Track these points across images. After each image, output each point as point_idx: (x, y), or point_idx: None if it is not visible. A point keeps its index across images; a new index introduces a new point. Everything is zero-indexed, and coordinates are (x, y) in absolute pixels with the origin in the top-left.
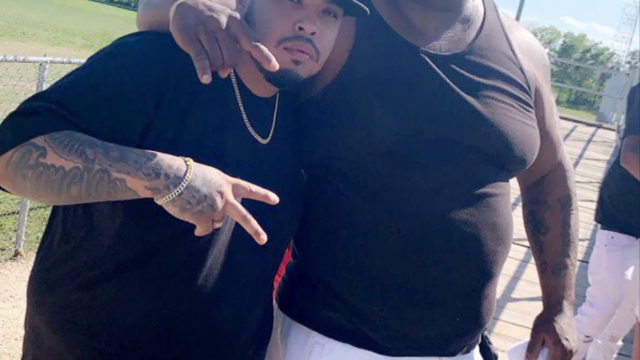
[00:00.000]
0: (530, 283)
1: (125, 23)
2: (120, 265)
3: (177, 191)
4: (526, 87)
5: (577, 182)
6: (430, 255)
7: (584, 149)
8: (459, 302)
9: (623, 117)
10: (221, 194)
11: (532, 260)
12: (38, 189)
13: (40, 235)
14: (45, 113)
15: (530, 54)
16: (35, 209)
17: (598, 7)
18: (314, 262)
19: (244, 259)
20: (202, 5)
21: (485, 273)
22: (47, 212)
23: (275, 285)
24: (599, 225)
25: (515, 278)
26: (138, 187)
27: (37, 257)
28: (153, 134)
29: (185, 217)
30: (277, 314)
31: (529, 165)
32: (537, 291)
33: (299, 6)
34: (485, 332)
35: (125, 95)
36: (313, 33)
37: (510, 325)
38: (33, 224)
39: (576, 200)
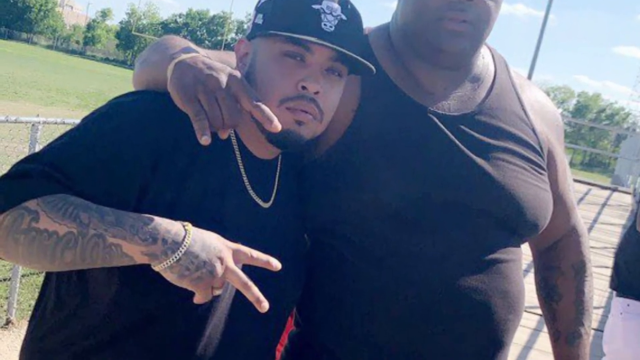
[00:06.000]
0: (543, 353)
1: (121, 82)
2: (117, 334)
3: (175, 257)
4: (538, 149)
5: (592, 247)
6: (439, 324)
7: (599, 213)
8: None
9: (639, 179)
10: (221, 260)
11: (545, 328)
12: (30, 254)
13: (33, 302)
14: (38, 176)
15: (543, 114)
16: (28, 276)
17: (613, 66)
18: (318, 331)
19: (244, 328)
20: (201, 64)
21: (495, 342)
22: (40, 279)
23: (278, 355)
24: (615, 292)
25: (527, 347)
26: (134, 253)
27: (29, 326)
28: (150, 197)
29: (184, 284)
30: None
31: (542, 230)
32: None
33: (302, 64)
34: None
35: (121, 157)
36: (317, 92)
37: None
38: (25, 291)
39: (590, 266)
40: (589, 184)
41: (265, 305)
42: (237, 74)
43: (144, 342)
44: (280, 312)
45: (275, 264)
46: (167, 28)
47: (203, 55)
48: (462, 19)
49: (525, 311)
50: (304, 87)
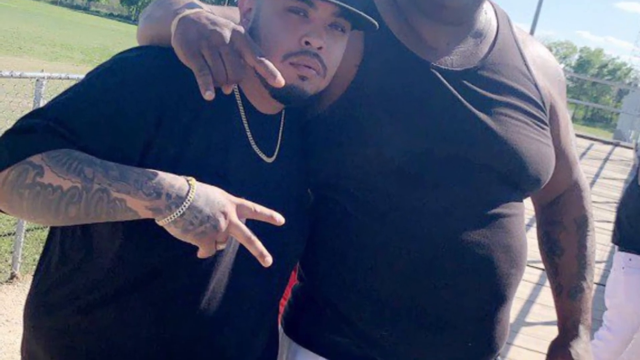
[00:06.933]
0: (545, 307)
1: (125, 37)
2: (120, 288)
3: (179, 212)
4: (541, 104)
5: (594, 202)
6: (442, 278)
7: (601, 168)
8: (471, 327)
9: None
10: (225, 214)
11: (547, 283)
12: (35, 209)
13: (38, 257)
14: (42, 131)
15: (545, 70)
16: (32, 230)
17: (615, 21)
18: (321, 285)
19: (248, 282)
20: (205, 19)
21: (498, 296)
22: (45, 234)
23: (281, 308)
24: (617, 246)
25: (530, 301)
26: (138, 208)
27: (34, 280)
28: (154, 153)
29: (188, 239)
30: (283, 338)
31: (544, 184)
32: (552, 315)
33: (305, 20)
34: (499, 358)
35: (126, 112)
36: (320, 48)
37: (524, 351)
38: (30, 246)
39: (592, 221)
40: (591, 139)
41: (268, 260)
42: (241, 29)
43: (148, 297)
44: (283, 266)
45: (279, 219)
46: None
47: (207, 11)
48: None
49: (528, 265)
50: (307, 43)
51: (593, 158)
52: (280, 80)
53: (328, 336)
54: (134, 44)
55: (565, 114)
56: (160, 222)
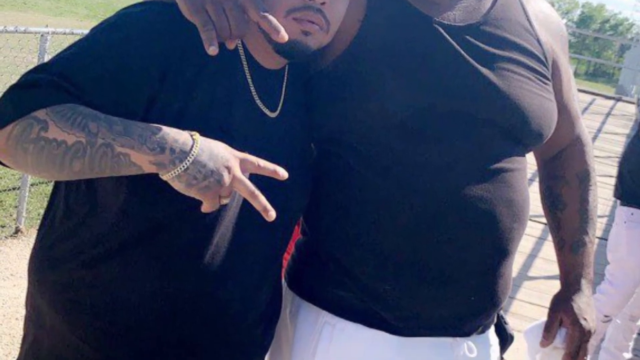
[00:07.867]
0: (548, 261)
1: None
2: (125, 242)
3: (183, 166)
4: (543, 59)
5: (596, 156)
6: (444, 232)
7: (603, 123)
8: (474, 281)
9: None
10: (228, 169)
11: (550, 237)
12: (39, 164)
13: (42, 211)
14: (46, 85)
15: (548, 25)
16: (37, 185)
17: None
18: (324, 239)
19: (252, 236)
20: None
21: (501, 250)
22: (49, 188)
23: (284, 263)
24: (619, 201)
25: (532, 256)
26: (142, 162)
27: (38, 235)
28: (158, 107)
29: (192, 193)
30: (286, 293)
31: (546, 139)
32: (555, 269)
33: None
34: (501, 312)
35: (130, 67)
36: (323, 3)
37: (527, 305)
38: (34, 200)
39: (595, 175)
40: (593, 93)
41: (272, 214)
42: None
43: (152, 251)
44: (287, 220)
45: (282, 173)
46: None
47: None
48: None
49: (530, 220)
50: None
51: (595, 113)
52: (284, 36)
53: (331, 290)
54: None
55: (567, 69)
56: (164, 177)
